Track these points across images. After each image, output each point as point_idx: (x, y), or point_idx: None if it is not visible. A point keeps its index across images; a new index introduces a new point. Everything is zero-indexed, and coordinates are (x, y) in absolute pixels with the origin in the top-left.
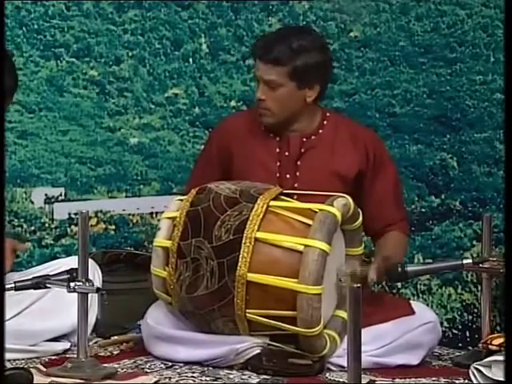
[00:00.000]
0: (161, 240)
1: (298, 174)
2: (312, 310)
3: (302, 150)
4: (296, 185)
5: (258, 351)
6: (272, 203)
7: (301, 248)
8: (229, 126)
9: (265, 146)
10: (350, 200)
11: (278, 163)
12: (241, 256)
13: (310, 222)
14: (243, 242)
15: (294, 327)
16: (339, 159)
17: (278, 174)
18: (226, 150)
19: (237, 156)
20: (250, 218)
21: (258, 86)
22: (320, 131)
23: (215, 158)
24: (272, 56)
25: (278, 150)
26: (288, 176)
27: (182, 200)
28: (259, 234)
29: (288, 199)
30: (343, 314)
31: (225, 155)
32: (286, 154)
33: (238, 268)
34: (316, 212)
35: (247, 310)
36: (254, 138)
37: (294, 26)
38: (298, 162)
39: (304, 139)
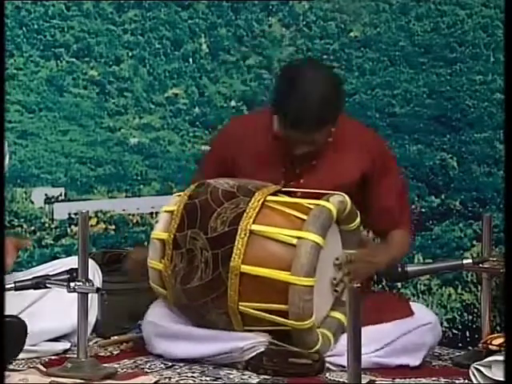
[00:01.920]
0: (158, 232)
1: (302, 181)
2: (303, 303)
3: (311, 162)
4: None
5: (262, 349)
6: (269, 198)
7: (295, 241)
8: (237, 126)
9: (271, 151)
10: (347, 198)
11: (283, 169)
12: (235, 247)
13: (305, 216)
14: (238, 233)
15: (286, 320)
16: (343, 167)
17: (282, 181)
18: (230, 153)
19: (241, 160)
20: (246, 211)
21: (285, 140)
22: (329, 139)
23: (221, 158)
24: (316, 124)
25: (282, 157)
26: (292, 183)
27: (181, 195)
28: (254, 227)
29: (285, 196)
30: (339, 315)
31: (229, 158)
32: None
33: (232, 259)
34: (311, 207)
35: (240, 303)
36: (260, 142)
37: (310, 71)
38: (303, 170)
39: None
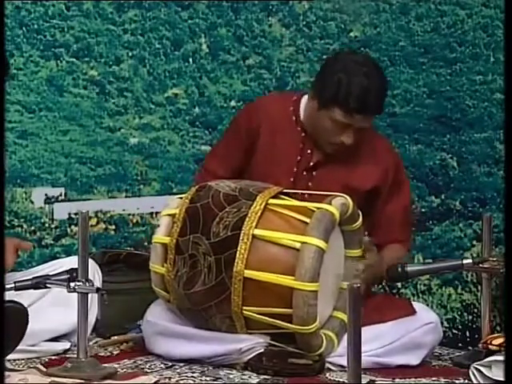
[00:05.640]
0: (160, 236)
1: (314, 173)
2: (308, 307)
3: (327, 157)
4: (310, 184)
5: (262, 350)
6: (271, 201)
7: (298, 245)
8: (263, 104)
9: (291, 135)
10: (349, 200)
11: (299, 158)
12: (238, 252)
13: (307, 220)
14: (241, 238)
15: (290, 325)
16: (357, 172)
17: (295, 169)
18: (255, 125)
19: (263, 135)
20: (249, 215)
21: (339, 130)
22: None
23: (243, 132)
24: (377, 107)
25: (301, 146)
26: (304, 173)
27: (182, 198)
28: (257, 231)
29: (287, 198)
30: (341, 316)
31: (253, 131)
32: (309, 151)
33: (235, 264)
34: (314, 210)
35: (244, 307)
36: (284, 123)
37: (370, 61)
38: (318, 164)
39: None
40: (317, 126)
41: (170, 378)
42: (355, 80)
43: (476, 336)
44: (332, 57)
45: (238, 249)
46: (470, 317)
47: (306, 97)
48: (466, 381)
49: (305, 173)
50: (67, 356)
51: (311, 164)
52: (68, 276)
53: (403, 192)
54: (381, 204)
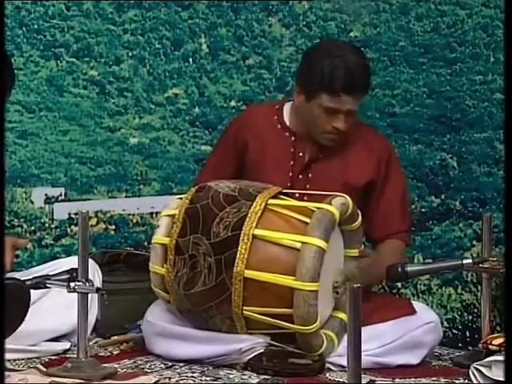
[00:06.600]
0: (159, 237)
1: (310, 175)
2: (308, 307)
3: (320, 155)
4: (308, 186)
5: (262, 350)
6: (270, 201)
7: (298, 245)
8: (247, 118)
9: (280, 143)
10: (349, 199)
11: (292, 162)
12: (238, 253)
13: (307, 220)
14: (241, 238)
15: (290, 325)
16: (352, 167)
17: (290, 174)
18: (241, 140)
19: (252, 148)
20: (249, 215)
21: (330, 116)
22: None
23: (231, 147)
24: (361, 87)
25: (292, 150)
26: (300, 176)
27: (181, 198)
28: (257, 231)
29: (287, 198)
30: (341, 315)
31: (240, 146)
32: (300, 154)
33: (236, 265)
34: (314, 210)
35: (244, 307)
36: (270, 133)
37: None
38: (312, 164)
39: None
40: (308, 119)
41: (170, 378)
42: (336, 62)
43: (476, 336)
44: (310, 48)
45: (239, 249)
46: (470, 317)
47: (288, 103)
48: (466, 381)
49: (301, 176)
50: (67, 356)
51: (305, 166)
52: (68, 276)
53: (397, 183)
54: (376, 197)
